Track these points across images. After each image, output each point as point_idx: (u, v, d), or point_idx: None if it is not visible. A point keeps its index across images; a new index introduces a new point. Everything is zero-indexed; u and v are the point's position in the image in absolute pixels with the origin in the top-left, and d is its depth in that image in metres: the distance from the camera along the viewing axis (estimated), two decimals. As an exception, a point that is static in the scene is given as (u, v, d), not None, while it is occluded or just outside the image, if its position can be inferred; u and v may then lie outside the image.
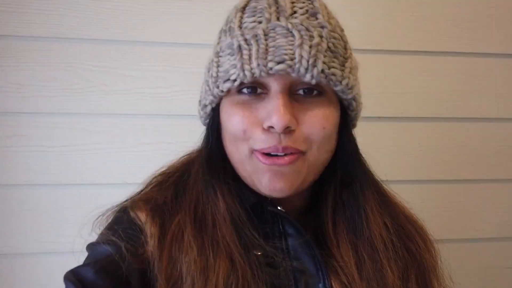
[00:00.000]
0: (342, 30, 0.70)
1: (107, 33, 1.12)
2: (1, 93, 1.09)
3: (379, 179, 0.79)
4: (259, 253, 0.65)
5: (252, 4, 0.68)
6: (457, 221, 1.28)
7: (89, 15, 1.11)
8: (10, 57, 1.09)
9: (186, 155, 0.79)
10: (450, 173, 1.27)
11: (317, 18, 0.65)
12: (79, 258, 0.68)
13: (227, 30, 0.69)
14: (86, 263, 0.65)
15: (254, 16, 0.66)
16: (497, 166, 1.29)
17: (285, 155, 0.64)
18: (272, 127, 0.62)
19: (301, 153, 0.66)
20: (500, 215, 1.30)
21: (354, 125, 0.76)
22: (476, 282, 1.29)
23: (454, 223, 1.28)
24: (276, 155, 0.64)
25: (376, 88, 1.22)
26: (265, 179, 0.65)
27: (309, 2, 0.67)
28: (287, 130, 0.63)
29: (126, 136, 1.14)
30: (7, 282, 1.10)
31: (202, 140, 0.75)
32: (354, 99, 0.69)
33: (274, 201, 0.70)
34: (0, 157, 1.09)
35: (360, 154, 0.76)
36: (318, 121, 0.65)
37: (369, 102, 1.19)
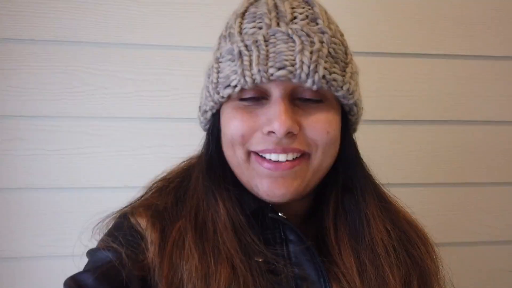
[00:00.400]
0: (342, 35, 0.70)
1: (107, 36, 1.12)
2: (1, 96, 1.08)
3: (380, 183, 0.79)
4: (261, 260, 0.65)
5: (252, 9, 0.68)
6: (459, 224, 1.28)
7: (89, 18, 1.11)
8: (10, 61, 1.09)
9: (186, 160, 0.79)
10: (452, 176, 1.27)
11: (317, 24, 0.65)
12: (79, 263, 0.67)
13: (227, 35, 0.69)
14: (86, 269, 0.64)
15: (254, 21, 0.66)
16: (499, 169, 1.29)
17: (286, 161, 0.64)
18: (272, 132, 0.62)
19: (306, 155, 0.66)
20: (503, 218, 1.30)
21: (354, 130, 0.76)
22: (478, 285, 1.29)
23: (456, 226, 1.28)
24: (277, 161, 0.64)
25: (377, 91, 1.22)
26: (264, 185, 0.65)
27: (309, 7, 0.67)
28: (289, 135, 0.63)
29: (126, 139, 1.14)
30: (7, 285, 1.10)
31: (202, 146, 0.75)
32: (355, 104, 0.69)
33: (275, 207, 0.69)
34: (0, 161, 1.09)
35: (361, 159, 0.76)
36: (322, 126, 0.64)
37: (371, 105, 1.19)
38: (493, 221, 1.30)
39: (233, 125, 0.65)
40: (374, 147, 1.20)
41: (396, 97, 1.23)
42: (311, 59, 0.61)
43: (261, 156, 0.65)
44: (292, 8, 0.66)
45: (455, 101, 1.26)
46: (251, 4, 0.69)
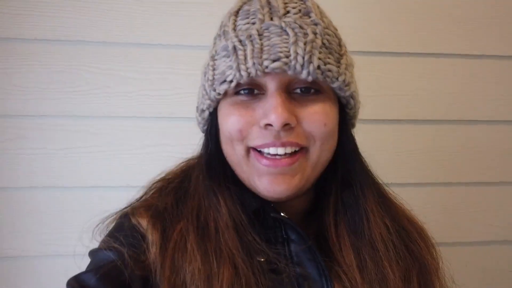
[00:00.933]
0: (336, 29, 0.70)
1: (110, 35, 1.12)
2: (4, 95, 1.09)
3: (380, 181, 0.79)
4: (262, 259, 0.65)
5: (245, 7, 0.69)
6: (461, 224, 1.27)
7: (93, 17, 1.11)
8: (13, 60, 1.09)
9: (185, 161, 0.79)
10: (454, 176, 1.26)
11: (310, 17, 0.66)
12: (80, 263, 0.68)
13: (221, 34, 0.70)
14: (88, 270, 0.65)
15: (247, 18, 0.67)
16: (502, 169, 1.28)
17: (285, 154, 0.64)
18: (270, 124, 0.62)
19: (304, 149, 0.65)
20: (505, 218, 1.29)
21: (353, 125, 0.76)
22: (480, 285, 1.28)
23: (458, 226, 1.27)
24: (276, 155, 0.64)
25: (379, 90, 1.21)
26: (264, 182, 0.65)
27: (302, 2, 0.68)
28: (287, 128, 0.62)
29: (129, 138, 1.14)
30: (10, 284, 1.10)
31: (201, 146, 0.75)
32: (351, 96, 0.69)
33: (276, 206, 0.69)
34: (3, 160, 1.09)
35: (360, 154, 0.76)
36: (319, 118, 0.64)
37: (372, 105, 1.19)
38: (495, 221, 1.29)
39: (230, 120, 0.65)
40: (376, 147, 1.20)
41: (397, 96, 1.22)
42: (305, 50, 0.61)
43: (260, 152, 0.65)
44: (285, 3, 0.67)
45: (456, 101, 1.25)
46: (245, 3, 0.70)
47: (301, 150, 0.66)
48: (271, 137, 0.63)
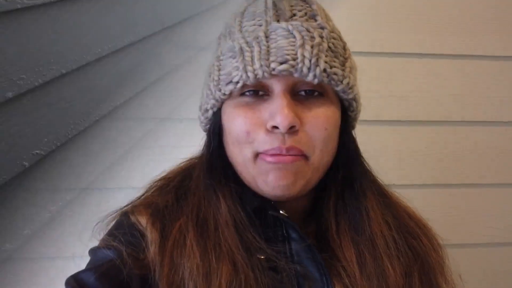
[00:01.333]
0: (339, 33, 0.71)
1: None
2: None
3: (380, 181, 0.79)
4: (262, 257, 0.65)
5: (251, 9, 0.70)
6: (463, 226, 1.27)
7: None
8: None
9: (186, 160, 0.79)
10: (457, 177, 1.26)
11: (316, 20, 0.67)
12: (80, 263, 0.68)
13: (226, 34, 0.70)
14: (87, 268, 0.65)
15: (253, 19, 0.67)
16: (504, 170, 1.28)
17: (288, 153, 0.64)
18: (276, 127, 0.62)
19: (305, 157, 0.65)
20: (507, 220, 1.29)
21: (353, 126, 0.76)
22: (482, 286, 1.28)
23: (460, 228, 1.27)
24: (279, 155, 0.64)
25: (382, 91, 1.22)
26: (270, 178, 0.65)
27: (308, 5, 0.69)
28: (291, 130, 0.63)
29: (130, 140, 1.13)
30: (11, 287, 1.10)
31: (202, 146, 0.75)
32: (354, 99, 0.70)
33: (276, 205, 0.69)
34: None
35: (361, 155, 0.76)
36: (321, 122, 0.65)
37: (375, 106, 1.19)
38: (496, 223, 1.29)
39: (237, 122, 0.65)
40: (377, 148, 1.21)
41: (398, 97, 1.23)
42: (312, 53, 0.62)
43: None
44: (291, 6, 0.68)
45: (460, 102, 1.25)
46: (249, 4, 0.71)
47: (302, 157, 0.66)
48: (277, 142, 0.63)
